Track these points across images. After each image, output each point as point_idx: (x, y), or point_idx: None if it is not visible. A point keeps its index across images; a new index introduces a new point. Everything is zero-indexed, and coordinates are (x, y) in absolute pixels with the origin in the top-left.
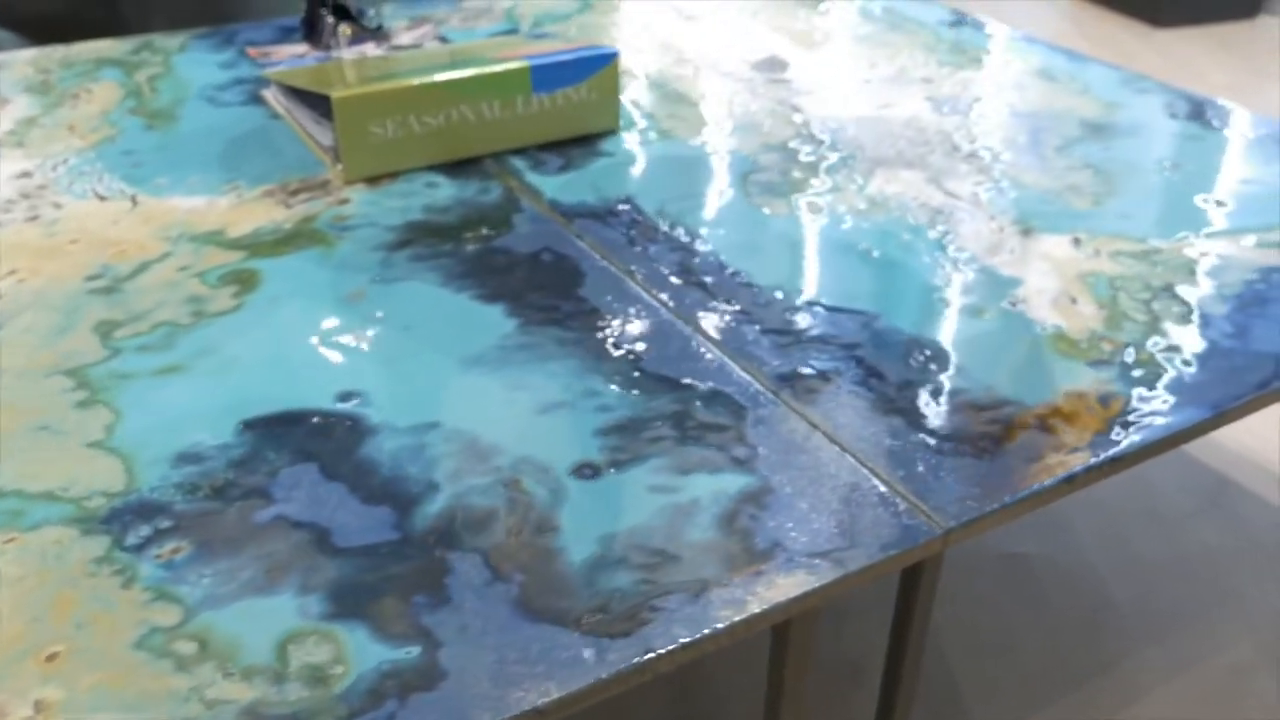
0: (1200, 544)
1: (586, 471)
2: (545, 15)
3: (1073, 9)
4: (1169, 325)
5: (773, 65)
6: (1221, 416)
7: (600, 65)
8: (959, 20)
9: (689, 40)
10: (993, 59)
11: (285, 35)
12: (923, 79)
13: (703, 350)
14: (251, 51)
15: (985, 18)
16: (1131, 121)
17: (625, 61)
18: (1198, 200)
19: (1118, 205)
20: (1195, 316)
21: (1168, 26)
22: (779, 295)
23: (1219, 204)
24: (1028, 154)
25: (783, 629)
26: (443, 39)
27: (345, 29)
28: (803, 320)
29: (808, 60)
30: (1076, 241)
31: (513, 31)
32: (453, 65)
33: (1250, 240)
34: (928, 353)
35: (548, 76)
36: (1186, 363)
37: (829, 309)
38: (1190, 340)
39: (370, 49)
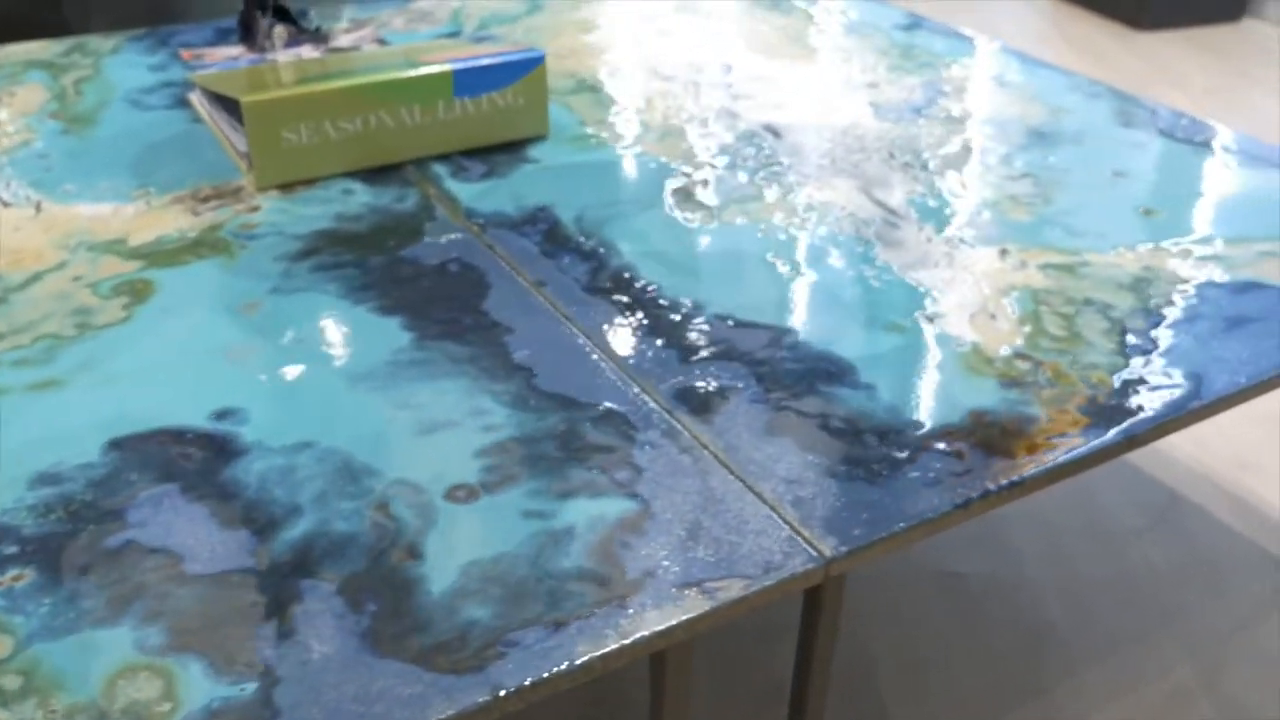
0: (1145, 562)
1: (460, 495)
2: (492, 17)
3: (1053, 10)
4: (1089, 342)
5: (719, 69)
6: (1133, 440)
7: (527, 69)
8: (914, 24)
9: (638, 43)
10: (943, 64)
11: (223, 37)
12: (868, 84)
13: (601, 366)
14: (185, 54)
15: (960, 21)
16: (1078, 128)
17: (567, 64)
18: (1136, 211)
19: (1053, 215)
20: (1117, 333)
21: (1149, 29)
22: (688, 309)
23: (1158, 214)
24: (967, 162)
25: (659, 658)
26: (382, 41)
27: (281, 31)
28: (709, 335)
29: (755, 64)
30: (1004, 253)
31: (456, 34)
32: (375, 69)
33: (1182, 252)
34: (833, 370)
35: (470, 81)
36: (1102, 382)
37: (738, 324)
38: (1108, 358)
39: (307, 51)
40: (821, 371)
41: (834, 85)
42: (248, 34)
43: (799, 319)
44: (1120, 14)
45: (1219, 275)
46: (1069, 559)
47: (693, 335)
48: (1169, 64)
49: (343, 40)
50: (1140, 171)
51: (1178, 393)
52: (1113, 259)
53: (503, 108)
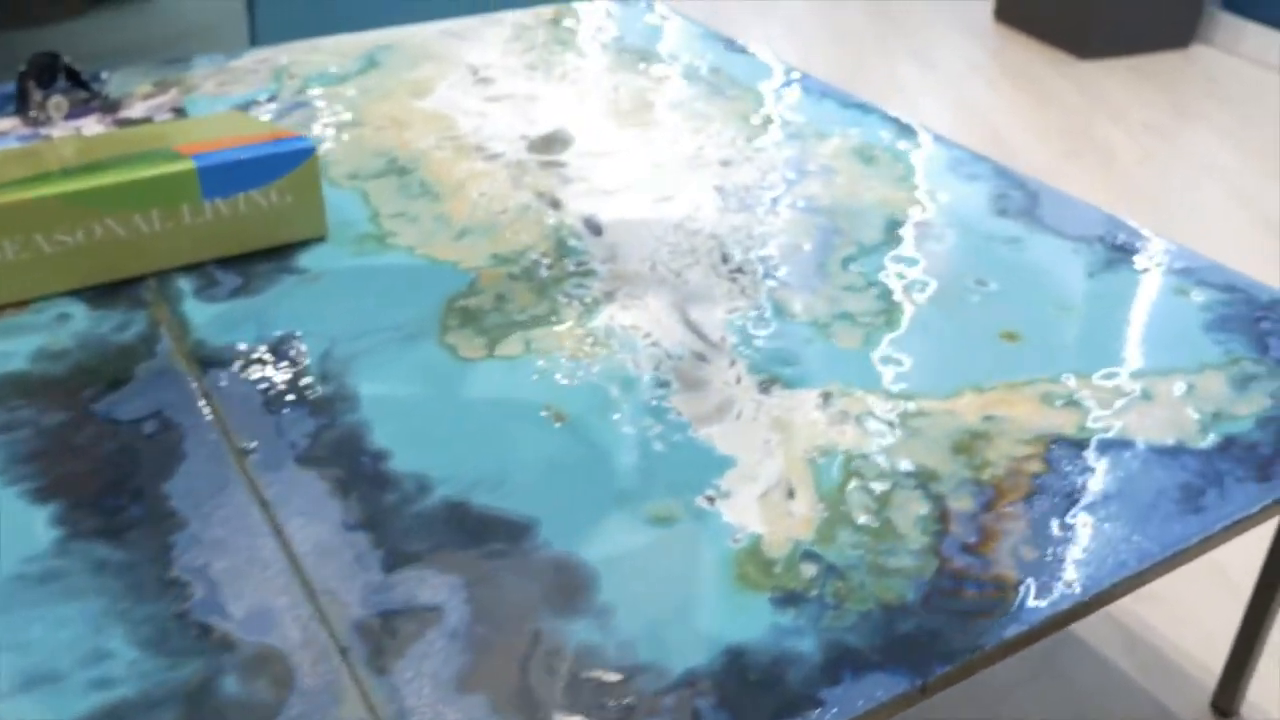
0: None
1: None
2: (319, 78)
3: (996, 39)
4: (899, 534)
5: (553, 144)
6: (926, 689)
7: (294, 163)
8: (790, 81)
9: (473, 111)
10: (812, 133)
11: (2, 105)
12: (722, 161)
13: (281, 579)
14: None
15: (898, 52)
16: (948, 219)
17: (383, 138)
18: (994, 334)
19: (893, 342)
20: (935, 520)
21: (1092, 58)
22: (418, 488)
23: (1019, 340)
24: (807, 267)
25: None
26: (180, 111)
27: (60, 101)
28: (430, 529)
29: (599, 136)
30: (825, 398)
31: (273, 98)
32: (104, 166)
33: (1041, 396)
34: (570, 584)
35: (221, 180)
36: (900, 604)
37: (473, 512)
38: (916, 560)
39: (90, 125)
40: (556, 587)
41: (682, 162)
42: (23, 104)
43: (550, 503)
44: (1063, 42)
45: (1078, 429)
46: None
47: (409, 530)
48: (1109, 96)
49: (137, 109)
50: (1009, 279)
51: (995, 616)
52: (951, 405)
53: (266, 208)
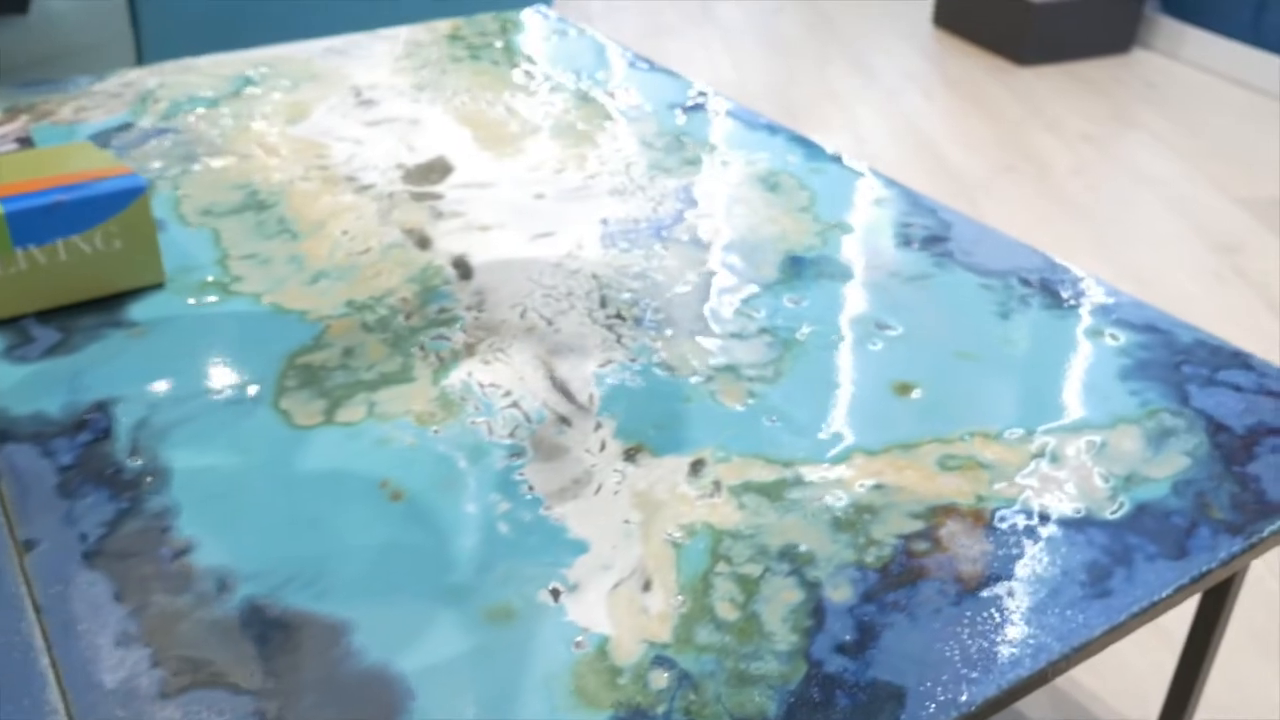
0: None
1: None
2: (187, 102)
3: (935, 46)
4: (766, 632)
5: (430, 173)
6: None
7: (121, 204)
8: (698, 102)
9: (347, 137)
10: (713, 159)
11: None
12: (612, 191)
13: (43, 707)
14: None
15: (837, 60)
16: (850, 254)
17: (246, 169)
18: (887, 386)
19: (776, 400)
20: (808, 614)
21: (1032, 64)
22: (219, 586)
23: (915, 393)
24: (693, 311)
25: None
26: (26, 141)
27: None
28: (225, 639)
29: (481, 164)
30: (696, 467)
31: (110, 133)
32: None
33: (938, 459)
34: (380, 703)
35: (33, 225)
36: (759, 717)
37: (281, 614)
38: (781, 666)
39: None
40: (362, 708)
41: (568, 193)
42: None
43: (371, 601)
44: (1002, 48)
45: (976, 499)
46: None
47: (199, 641)
48: (1047, 104)
49: None
50: (911, 322)
51: None
52: (837, 472)
53: (91, 255)
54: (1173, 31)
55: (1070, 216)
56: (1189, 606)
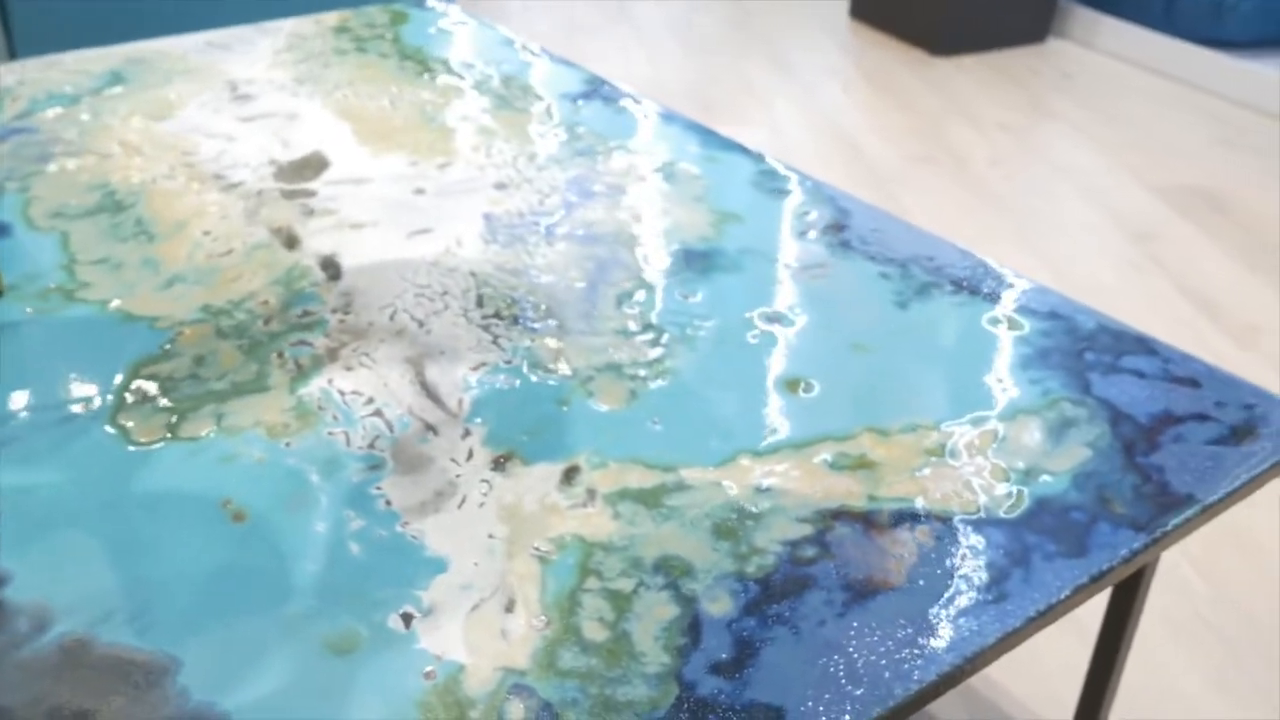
0: None
1: None
2: (50, 99)
3: (854, 38)
4: (637, 653)
5: (304, 170)
6: None
7: None
8: (591, 92)
9: (218, 133)
10: (606, 149)
11: None
12: (497, 184)
13: None
14: None
15: (753, 56)
16: (744, 245)
17: (106, 169)
18: (779, 383)
19: (661, 400)
20: (681, 631)
21: (947, 55)
22: (32, 625)
23: (804, 389)
24: (575, 309)
25: None
26: None
27: None
28: (33, 682)
29: (359, 160)
30: (570, 475)
31: None
32: None
33: (824, 457)
34: None
35: None
36: None
37: (99, 653)
38: (651, 690)
39: None
40: None
41: (450, 187)
42: None
43: (201, 635)
44: (918, 39)
45: (867, 500)
46: None
47: (7, 687)
48: (963, 95)
49: None
50: (806, 314)
51: None
52: (720, 474)
53: None
54: (1087, 20)
55: (988, 207)
56: (1102, 597)
